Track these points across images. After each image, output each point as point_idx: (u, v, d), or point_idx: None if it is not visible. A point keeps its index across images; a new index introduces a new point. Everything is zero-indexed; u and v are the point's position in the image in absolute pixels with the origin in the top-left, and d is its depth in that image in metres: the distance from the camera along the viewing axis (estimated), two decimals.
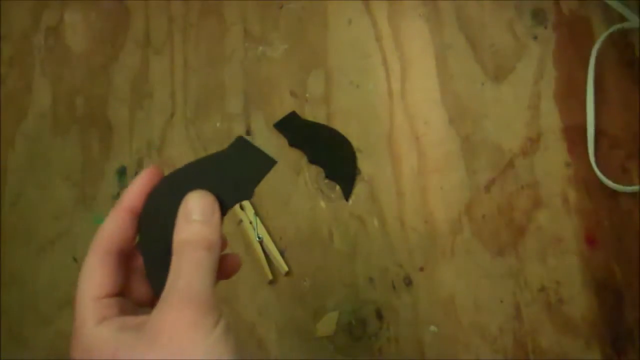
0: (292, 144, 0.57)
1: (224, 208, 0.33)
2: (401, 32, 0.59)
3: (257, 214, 0.54)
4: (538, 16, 0.57)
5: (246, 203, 0.54)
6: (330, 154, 0.56)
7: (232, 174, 0.33)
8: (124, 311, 0.31)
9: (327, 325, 0.53)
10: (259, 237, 0.53)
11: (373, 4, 0.60)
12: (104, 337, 0.29)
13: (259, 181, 0.34)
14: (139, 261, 0.34)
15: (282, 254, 0.54)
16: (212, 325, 0.29)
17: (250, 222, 0.54)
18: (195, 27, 0.62)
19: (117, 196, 0.58)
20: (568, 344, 0.50)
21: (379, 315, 0.52)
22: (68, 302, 0.56)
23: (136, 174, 0.58)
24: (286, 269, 0.53)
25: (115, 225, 0.32)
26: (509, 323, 0.51)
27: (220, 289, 0.56)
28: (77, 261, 0.57)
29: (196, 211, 0.31)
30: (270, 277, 0.53)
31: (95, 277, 0.31)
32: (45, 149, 0.60)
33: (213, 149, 0.58)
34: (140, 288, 0.34)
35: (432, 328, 0.52)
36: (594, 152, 0.52)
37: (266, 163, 0.34)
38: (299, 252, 0.55)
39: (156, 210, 0.33)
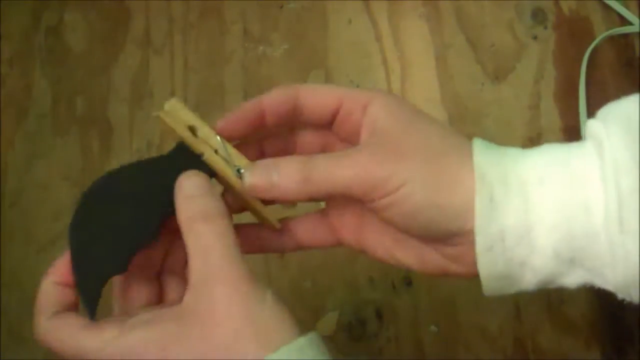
0: None
1: (164, 215, 0.32)
2: (401, 32, 0.59)
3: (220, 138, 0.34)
4: (538, 16, 0.57)
5: (197, 122, 0.34)
6: None
7: (168, 184, 0.32)
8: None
9: (327, 325, 0.53)
10: (238, 171, 0.33)
11: (373, 4, 0.60)
12: (142, 337, 0.28)
13: None
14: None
15: None
16: (262, 294, 0.28)
17: (216, 151, 0.33)
18: (195, 27, 0.62)
19: None
20: (568, 344, 0.50)
21: (379, 315, 0.52)
22: None
23: None
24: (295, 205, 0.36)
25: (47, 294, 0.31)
26: (509, 323, 0.51)
27: None
28: None
29: (193, 187, 0.31)
30: (278, 225, 0.36)
31: (66, 319, 0.30)
32: (45, 149, 0.60)
33: None
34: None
35: (432, 328, 0.52)
36: None
37: (207, 172, 0.33)
38: (299, 252, 0.55)
39: (91, 214, 0.32)
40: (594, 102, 0.53)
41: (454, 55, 0.57)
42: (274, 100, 0.33)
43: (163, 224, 0.32)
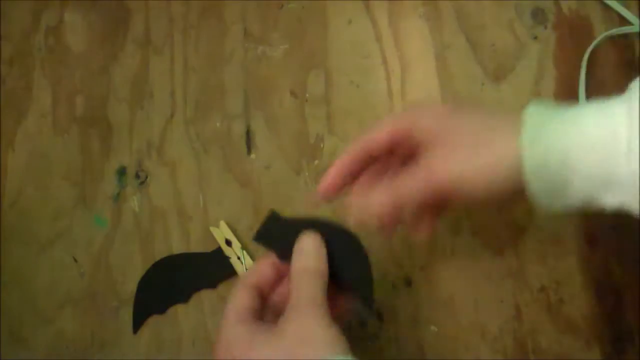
0: (283, 257, 0.43)
1: (196, 287, 0.55)
2: (401, 32, 0.59)
3: (244, 248, 0.54)
4: (538, 16, 0.57)
5: (232, 238, 0.54)
6: (338, 259, 0.42)
7: (205, 271, 0.55)
8: (257, 322, 0.40)
9: None
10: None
11: (373, 4, 0.60)
12: (240, 332, 0.38)
13: (220, 282, 0.54)
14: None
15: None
16: (330, 322, 0.37)
17: (239, 258, 0.54)
18: (195, 27, 0.62)
19: (117, 196, 0.58)
20: (568, 344, 0.50)
21: (379, 315, 0.52)
22: (68, 302, 0.56)
23: (136, 173, 0.58)
24: None
25: (259, 271, 0.43)
26: (509, 323, 0.51)
27: (222, 289, 0.56)
28: (77, 261, 0.57)
29: (311, 248, 0.41)
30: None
31: (237, 297, 0.41)
32: (45, 149, 0.60)
33: (213, 149, 0.58)
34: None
35: (432, 328, 0.52)
36: None
37: (231, 273, 0.54)
38: None
39: (151, 276, 0.56)
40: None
41: (454, 55, 0.58)
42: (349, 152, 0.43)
43: (193, 293, 0.54)
